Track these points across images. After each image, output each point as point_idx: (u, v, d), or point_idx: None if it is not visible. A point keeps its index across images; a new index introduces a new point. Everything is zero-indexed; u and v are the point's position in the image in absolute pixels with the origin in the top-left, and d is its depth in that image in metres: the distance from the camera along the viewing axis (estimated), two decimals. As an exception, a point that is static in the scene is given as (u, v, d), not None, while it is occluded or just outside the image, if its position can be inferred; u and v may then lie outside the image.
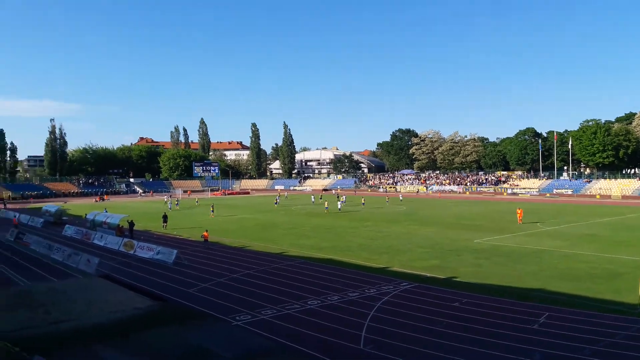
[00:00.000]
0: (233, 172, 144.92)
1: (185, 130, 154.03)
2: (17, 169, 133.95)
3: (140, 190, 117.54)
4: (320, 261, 26.85)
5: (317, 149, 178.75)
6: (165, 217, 44.62)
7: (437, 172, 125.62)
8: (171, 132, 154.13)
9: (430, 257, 27.86)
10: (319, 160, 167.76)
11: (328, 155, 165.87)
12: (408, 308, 17.59)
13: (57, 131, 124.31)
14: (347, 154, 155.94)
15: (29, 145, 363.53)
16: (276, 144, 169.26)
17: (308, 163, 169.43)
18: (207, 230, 34.01)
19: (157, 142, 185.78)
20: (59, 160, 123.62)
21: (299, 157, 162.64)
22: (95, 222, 41.55)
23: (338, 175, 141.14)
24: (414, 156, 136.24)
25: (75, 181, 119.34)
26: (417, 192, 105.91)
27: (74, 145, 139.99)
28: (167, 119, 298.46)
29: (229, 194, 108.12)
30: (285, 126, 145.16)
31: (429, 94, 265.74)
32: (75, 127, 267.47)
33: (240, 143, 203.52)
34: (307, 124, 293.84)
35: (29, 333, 15.45)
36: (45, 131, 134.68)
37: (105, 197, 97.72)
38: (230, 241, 35.26)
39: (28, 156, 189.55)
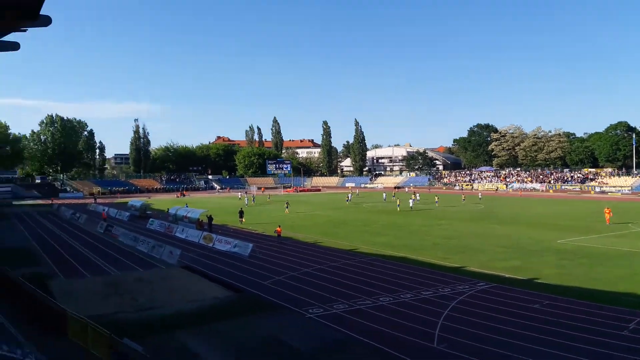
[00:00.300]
0: (304, 169, 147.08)
1: (259, 129, 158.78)
2: (106, 167, 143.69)
3: (218, 187, 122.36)
4: (393, 259, 26.76)
5: (389, 145, 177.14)
6: (241, 213, 46.24)
7: (518, 169, 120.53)
8: (246, 131, 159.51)
9: (510, 257, 26.93)
10: (390, 157, 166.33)
11: (400, 152, 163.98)
12: (485, 308, 17.17)
13: (141, 131, 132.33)
14: (421, 150, 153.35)
15: (116, 144, 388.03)
16: (347, 141, 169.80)
17: (379, 160, 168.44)
18: (280, 226, 34.87)
19: (233, 140, 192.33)
20: (142, 158, 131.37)
21: (370, 154, 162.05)
22: (177, 216, 43.80)
23: (411, 173, 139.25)
24: (493, 152, 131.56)
25: (158, 178, 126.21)
26: (496, 190, 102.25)
27: (156, 144, 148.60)
28: (242, 118, 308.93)
29: (300, 191, 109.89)
30: (357, 123, 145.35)
31: (510, 87, 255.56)
32: (158, 127, 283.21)
33: (312, 141, 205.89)
34: (379, 120, 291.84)
35: (119, 318, 16.80)
36: (130, 131, 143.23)
37: (185, 192, 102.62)
38: (302, 237, 35.93)
39: (115, 154, 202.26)
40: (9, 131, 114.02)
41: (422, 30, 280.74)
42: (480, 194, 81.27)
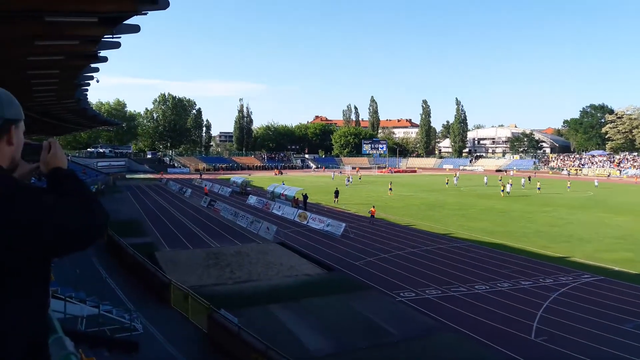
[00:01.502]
0: (400, 150, 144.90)
1: (356, 108, 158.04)
2: (211, 144, 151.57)
3: (314, 166, 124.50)
4: (491, 245, 25.67)
5: (493, 126, 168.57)
6: (337, 192, 46.60)
7: (635, 154, 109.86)
8: (343, 110, 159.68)
9: (621, 248, 24.77)
10: (493, 138, 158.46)
11: (504, 133, 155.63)
12: (589, 302, 15.99)
13: (245, 110, 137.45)
14: (527, 132, 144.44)
15: (220, 122, 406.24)
16: (447, 121, 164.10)
17: (481, 141, 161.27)
18: (374, 207, 34.73)
19: (330, 120, 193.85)
20: (245, 136, 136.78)
21: (471, 135, 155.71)
22: (274, 194, 45.27)
23: (514, 155, 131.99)
24: (607, 135, 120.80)
25: (258, 156, 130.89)
26: (608, 176, 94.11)
27: (258, 122, 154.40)
28: (340, 96, 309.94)
29: (395, 172, 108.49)
30: (458, 102, 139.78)
31: (630, 62, 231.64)
32: (260, 106, 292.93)
33: (410, 121, 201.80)
34: (482, 100, 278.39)
35: (217, 289, 17.72)
36: (233, 109, 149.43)
37: (282, 171, 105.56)
38: (395, 219, 35.55)
39: (220, 132, 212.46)
40: (125, 109, 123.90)
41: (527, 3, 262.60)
42: (596, 180, 73.74)
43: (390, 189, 54.59)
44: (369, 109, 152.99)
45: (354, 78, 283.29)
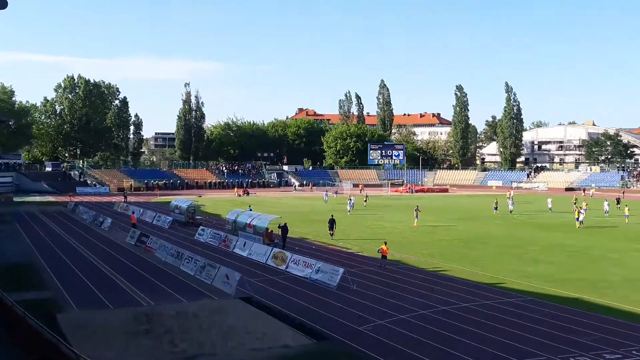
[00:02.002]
0: (425, 158, 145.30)
1: (358, 98, 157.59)
2: (142, 150, 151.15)
3: (296, 183, 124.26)
4: (559, 301, 25.80)
5: (560, 124, 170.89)
6: (332, 222, 46.18)
7: None
8: (340, 100, 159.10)
9: None
10: (561, 142, 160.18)
11: (578, 134, 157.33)
12: None
13: (193, 100, 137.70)
14: (611, 132, 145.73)
15: (157, 117, 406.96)
16: (493, 117, 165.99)
17: (543, 146, 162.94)
18: (386, 243, 34.74)
19: (320, 115, 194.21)
20: (193, 138, 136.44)
21: (528, 136, 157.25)
22: (237, 224, 45.08)
23: (593, 167, 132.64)
24: None
25: (213, 168, 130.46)
26: None
27: (212, 118, 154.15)
28: (335, 83, 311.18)
29: (417, 192, 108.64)
30: (509, 89, 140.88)
31: None
32: (216, 94, 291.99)
33: (438, 115, 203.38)
34: (543, 86, 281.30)
35: (151, 369, 17.42)
36: (177, 99, 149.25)
37: (249, 190, 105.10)
38: (418, 260, 35.65)
39: (155, 133, 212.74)
40: (14, 98, 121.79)
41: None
42: None
43: (417, 217, 54.29)
44: (378, 98, 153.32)
45: (356, 55, 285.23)
